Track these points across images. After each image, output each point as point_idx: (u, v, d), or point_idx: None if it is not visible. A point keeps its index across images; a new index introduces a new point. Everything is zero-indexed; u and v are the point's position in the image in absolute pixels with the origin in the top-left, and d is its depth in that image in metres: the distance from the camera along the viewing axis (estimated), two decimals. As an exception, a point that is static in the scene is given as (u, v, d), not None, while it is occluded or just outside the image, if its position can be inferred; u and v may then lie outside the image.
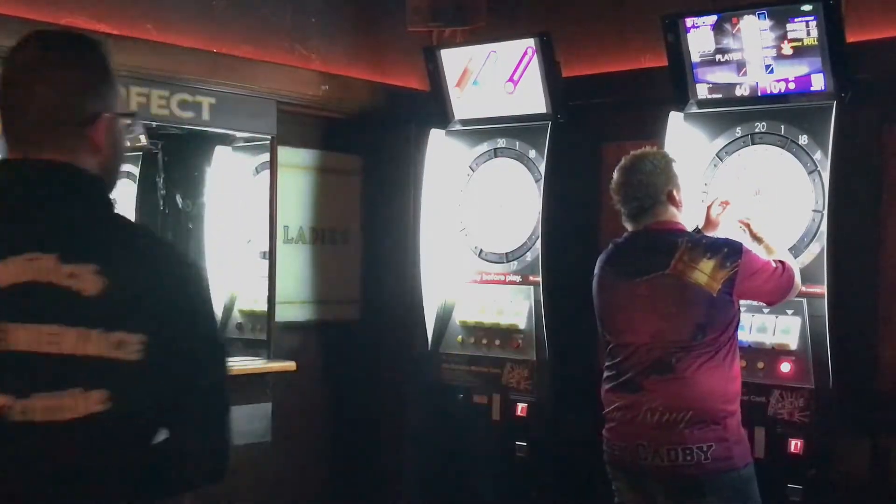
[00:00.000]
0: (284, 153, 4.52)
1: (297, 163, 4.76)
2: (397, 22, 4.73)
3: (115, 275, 1.58)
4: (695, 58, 3.78)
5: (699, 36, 3.74)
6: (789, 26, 3.54)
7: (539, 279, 4.20)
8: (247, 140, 4.58)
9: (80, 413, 1.54)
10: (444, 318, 4.50)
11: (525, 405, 4.19)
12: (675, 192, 3.14)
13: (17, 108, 1.65)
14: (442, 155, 4.54)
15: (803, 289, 3.49)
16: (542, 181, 4.21)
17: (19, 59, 1.66)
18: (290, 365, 4.39)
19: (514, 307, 4.29)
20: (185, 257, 1.78)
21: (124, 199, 4.58)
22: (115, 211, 1.71)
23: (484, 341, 4.34)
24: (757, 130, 3.70)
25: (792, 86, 3.61)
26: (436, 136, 4.54)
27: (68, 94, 1.65)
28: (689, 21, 3.75)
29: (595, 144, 4.47)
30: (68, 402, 1.54)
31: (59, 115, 1.64)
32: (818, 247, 3.49)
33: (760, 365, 3.53)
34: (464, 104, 4.49)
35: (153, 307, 1.59)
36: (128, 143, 1.88)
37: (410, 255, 4.64)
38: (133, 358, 1.56)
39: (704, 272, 2.99)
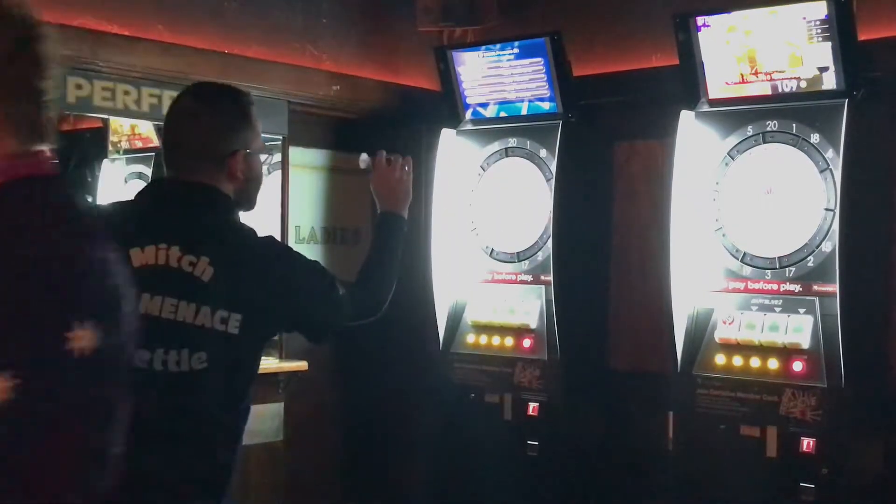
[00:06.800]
0: (296, 153, 4.53)
1: (308, 163, 4.77)
2: (408, 22, 4.73)
3: (221, 267, 2.12)
4: (706, 56, 3.77)
5: (710, 34, 3.73)
6: (801, 24, 3.52)
7: (550, 278, 4.19)
8: (258, 140, 4.59)
9: (186, 368, 2.09)
10: (455, 318, 4.50)
11: (536, 404, 4.18)
12: None
13: (175, 144, 2.24)
14: (453, 154, 4.54)
15: (815, 287, 3.49)
16: (553, 180, 4.21)
17: (178, 107, 2.26)
18: (301, 364, 4.40)
19: (526, 307, 4.28)
20: (268, 243, 2.34)
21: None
22: (236, 220, 2.26)
23: (495, 341, 4.34)
24: (768, 129, 3.69)
25: (803, 84, 3.60)
26: (447, 135, 4.54)
27: (213, 135, 2.21)
28: (700, 20, 3.74)
29: (606, 143, 4.46)
30: (181, 357, 2.08)
31: (204, 150, 2.21)
32: (830, 245, 3.48)
33: (773, 364, 3.53)
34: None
35: (249, 294, 2.15)
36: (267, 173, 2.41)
37: (422, 255, 4.63)
38: (233, 332, 2.11)
39: None
